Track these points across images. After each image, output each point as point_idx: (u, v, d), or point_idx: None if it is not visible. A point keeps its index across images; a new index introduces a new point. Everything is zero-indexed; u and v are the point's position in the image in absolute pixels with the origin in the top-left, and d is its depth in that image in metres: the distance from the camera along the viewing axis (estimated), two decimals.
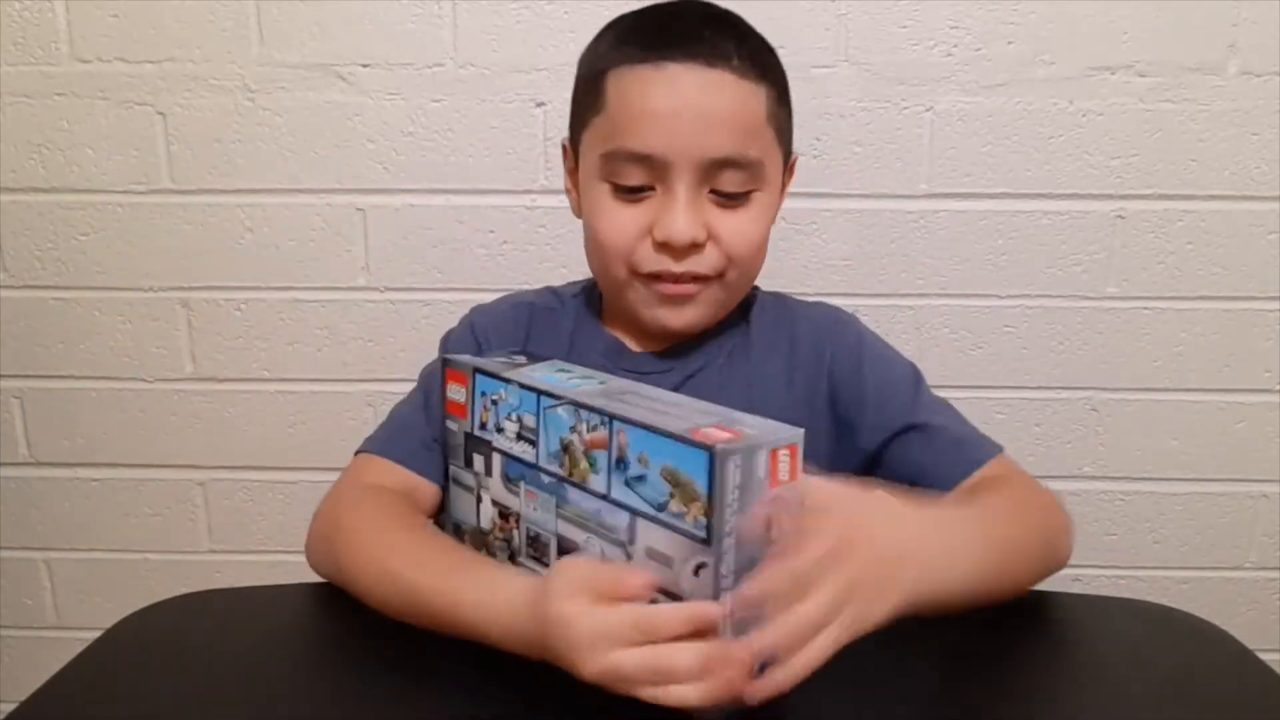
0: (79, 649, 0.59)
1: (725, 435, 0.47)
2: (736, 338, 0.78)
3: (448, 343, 0.82)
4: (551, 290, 0.85)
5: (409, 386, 0.82)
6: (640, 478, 0.51)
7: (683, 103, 0.66)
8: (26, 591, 1.31)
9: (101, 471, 1.27)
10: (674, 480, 0.49)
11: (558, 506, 0.57)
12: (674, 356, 0.77)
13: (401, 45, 1.13)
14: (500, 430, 0.61)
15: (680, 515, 0.48)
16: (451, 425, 0.66)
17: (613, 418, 0.52)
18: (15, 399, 1.25)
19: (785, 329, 0.79)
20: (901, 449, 0.74)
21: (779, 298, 0.83)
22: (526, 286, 1.18)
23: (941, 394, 0.79)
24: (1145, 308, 1.17)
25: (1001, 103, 1.12)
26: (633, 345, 0.78)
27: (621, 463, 0.52)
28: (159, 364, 1.23)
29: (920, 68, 1.12)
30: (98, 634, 0.61)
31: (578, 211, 0.77)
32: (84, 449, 1.26)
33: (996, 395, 1.21)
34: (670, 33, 0.68)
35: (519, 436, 0.60)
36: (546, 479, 0.58)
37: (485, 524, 0.64)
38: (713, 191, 0.69)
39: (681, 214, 0.67)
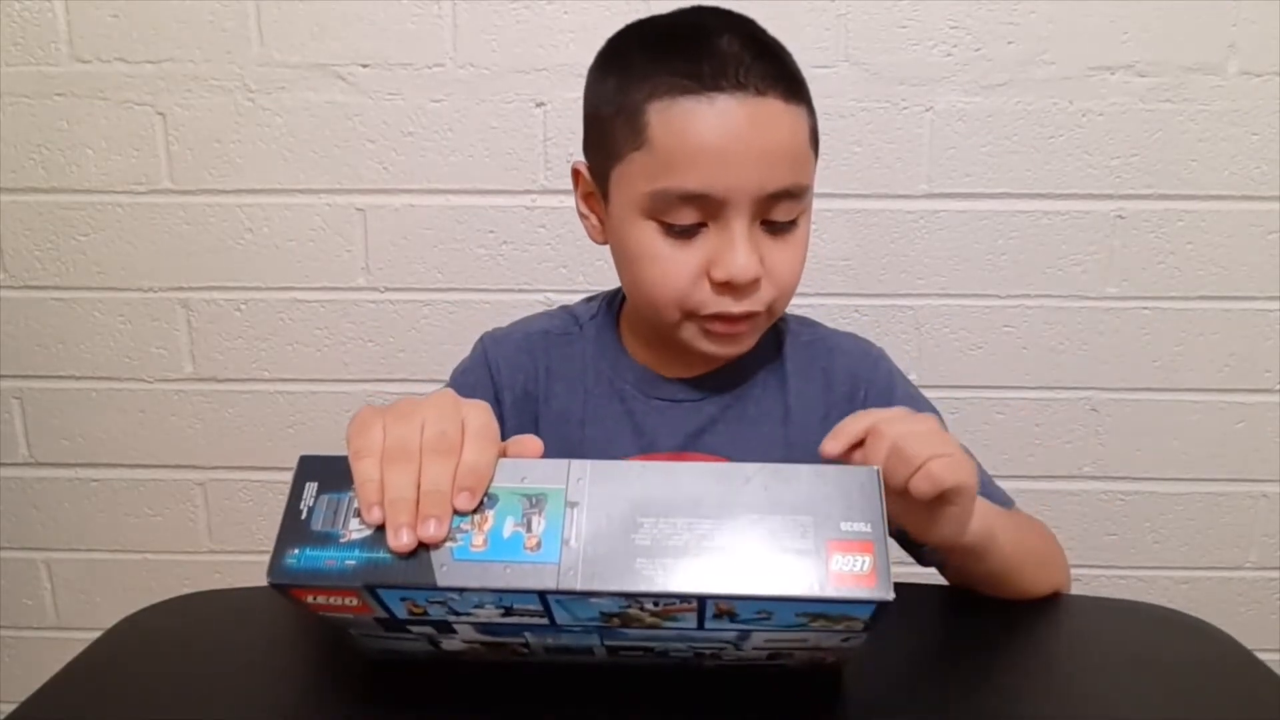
0: (79, 649, 0.59)
1: (866, 566, 0.41)
2: (771, 366, 0.76)
3: (459, 376, 0.78)
4: (568, 312, 0.81)
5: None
6: (762, 617, 0.44)
7: (738, 138, 0.62)
8: (26, 591, 1.31)
9: (101, 471, 1.27)
10: (815, 615, 0.43)
11: (602, 641, 0.48)
12: (708, 383, 0.75)
13: (401, 45, 1.13)
14: (454, 623, 0.46)
15: (825, 631, 0.45)
16: (338, 619, 0.47)
17: (704, 598, 0.42)
18: (15, 399, 1.25)
19: (820, 360, 0.77)
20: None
21: (806, 324, 0.81)
22: (526, 287, 1.19)
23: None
24: (1145, 308, 1.17)
25: (1001, 103, 1.12)
26: (662, 370, 0.76)
27: (728, 615, 0.44)
28: (159, 364, 1.23)
29: (920, 68, 1.12)
30: (98, 634, 0.61)
31: (599, 238, 0.73)
32: (84, 449, 1.26)
33: (996, 395, 1.21)
34: (715, 58, 0.63)
35: (490, 625, 0.47)
36: (577, 631, 0.47)
37: (454, 647, 0.50)
38: (763, 222, 0.66)
39: (742, 252, 0.64)
